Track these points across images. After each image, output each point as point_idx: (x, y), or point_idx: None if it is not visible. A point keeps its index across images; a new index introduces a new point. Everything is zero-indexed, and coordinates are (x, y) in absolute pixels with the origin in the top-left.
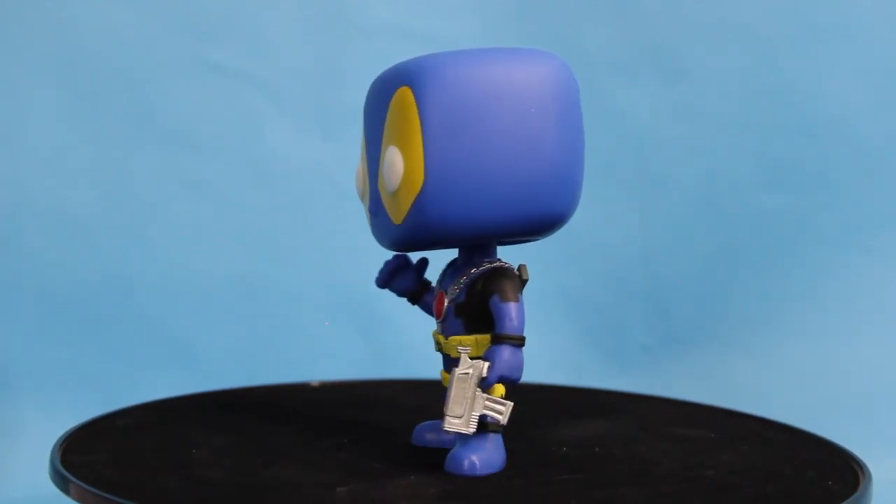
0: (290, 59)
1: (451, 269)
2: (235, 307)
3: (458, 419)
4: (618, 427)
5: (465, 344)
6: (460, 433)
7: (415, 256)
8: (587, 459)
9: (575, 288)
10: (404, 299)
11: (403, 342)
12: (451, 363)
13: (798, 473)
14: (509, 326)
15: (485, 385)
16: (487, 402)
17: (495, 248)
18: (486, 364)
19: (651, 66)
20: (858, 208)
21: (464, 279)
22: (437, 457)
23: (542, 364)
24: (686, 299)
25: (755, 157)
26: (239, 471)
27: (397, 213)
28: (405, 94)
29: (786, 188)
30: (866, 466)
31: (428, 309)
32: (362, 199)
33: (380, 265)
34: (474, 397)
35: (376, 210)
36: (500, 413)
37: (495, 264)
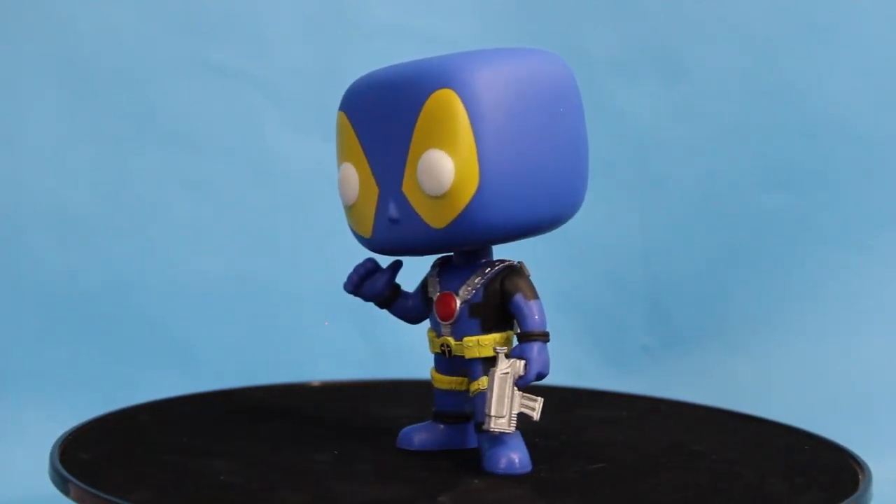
0: (290, 59)
1: (450, 270)
2: (235, 307)
3: (503, 419)
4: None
5: (483, 343)
6: (502, 433)
7: (384, 261)
8: (580, 449)
9: (575, 288)
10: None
11: (403, 342)
12: (459, 365)
13: (798, 473)
14: (535, 324)
15: (523, 383)
16: (522, 400)
17: (492, 246)
18: (522, 362)
19: (651, 66)
20: (858, 208)
21: (478, 280)
22: (450, 459)
23: None
24: (686, 299)
25: (755, 157)
26: (312, 490)
27: (440, 218)
28: (447, 96)
29: (786, 188)
30: (866, 466)
31: (404, 313)
32: (352, 205)
33: (383, 264)
34: (513, 396)
35: (398, 215)
36: (532, 409)
37: (507, 263)
